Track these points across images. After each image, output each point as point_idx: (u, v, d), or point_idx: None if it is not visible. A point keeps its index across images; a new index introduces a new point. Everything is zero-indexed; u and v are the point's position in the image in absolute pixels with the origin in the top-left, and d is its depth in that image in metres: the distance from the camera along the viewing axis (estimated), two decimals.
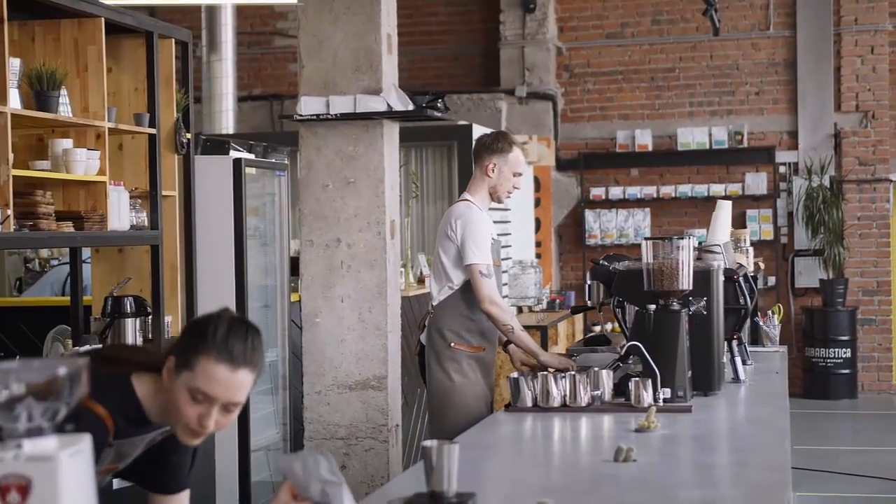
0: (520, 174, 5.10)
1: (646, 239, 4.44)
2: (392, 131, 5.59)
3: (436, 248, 5.11)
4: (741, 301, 5.04)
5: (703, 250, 5.14)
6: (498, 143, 5.07)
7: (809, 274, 12.20)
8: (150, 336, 5.54)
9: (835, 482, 8.19)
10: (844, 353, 11.87)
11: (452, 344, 5.01)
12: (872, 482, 8.13)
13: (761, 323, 6.44)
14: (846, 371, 11.90)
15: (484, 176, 5.08)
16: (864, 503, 7.76)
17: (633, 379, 4.23)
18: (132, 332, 5.40)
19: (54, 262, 8.71)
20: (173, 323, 5.77)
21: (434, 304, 5.07)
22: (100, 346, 5.00)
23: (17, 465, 1.70)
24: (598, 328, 10.62)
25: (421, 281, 8.08)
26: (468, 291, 4.96)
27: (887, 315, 12.28)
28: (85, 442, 1.76)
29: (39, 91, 4.85)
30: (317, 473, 2.32)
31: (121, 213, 5.29)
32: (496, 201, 5.15)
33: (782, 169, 12.38)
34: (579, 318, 10.82)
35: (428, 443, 2.69)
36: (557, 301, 10.62)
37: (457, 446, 2.68)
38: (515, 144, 5.10)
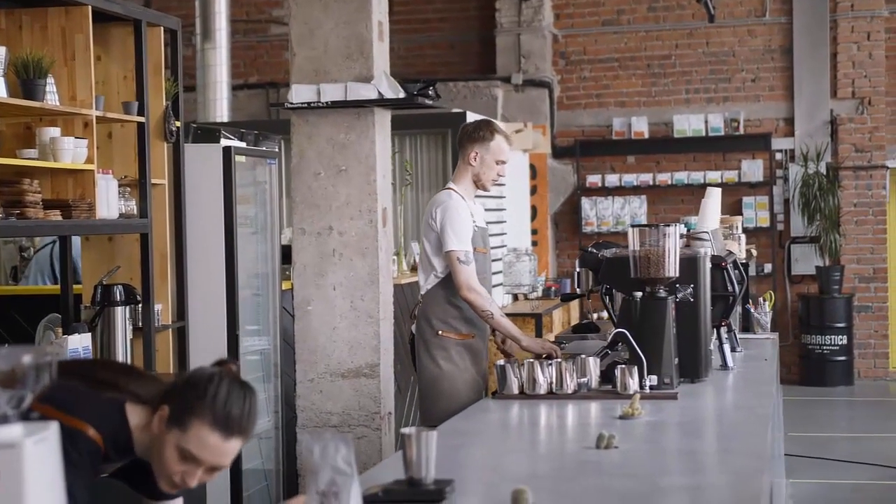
0: (503, 162, 5.07)
1: (632, 226, 4.44)
2: (383, 119, 5.58)
3: (421, 238, 5.10)
4: (729, 288, 5.03)
5: (691, 237, 5.13)
6: (479, 131, 5.05)
7: (805, 261, 12.19)
8: (139, 324, 5.54)
9: (830, 469, 8.20)
10: (841, 340, 11.87)
11: (440, 332, 5.01)
12: (867, 469, 8.14)
13: (752, 310, 6.43)
14: (842, 358, 11.90)
15: (467, 164, 5.06)
16: (859, 490, 7.77)
17: (619, 366, 4.23)
18: (122, 320, 5.39)
19: None
20: (163, 311, 5.77)
21: (422, 293, 5.08)
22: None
23: None
24: (594, 315, 10.61)
25: (414, 269, 8.08)
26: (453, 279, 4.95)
27: (883, 302, 12.28)
28: (51, 430, 1.76)
29: (26, 79, 4.84)
30: (332, 460, 2.30)
31: (109, 201, 5.28)
32: (482, 189, 5.13)
33: (778, 156, 12.36)
34: (575, 305, 10.82)
35: (406, 430, 2.69)
36: (553, 289, 10.61)
37: (434, 433, 2.69)
38: (498, 132, 5.07)
